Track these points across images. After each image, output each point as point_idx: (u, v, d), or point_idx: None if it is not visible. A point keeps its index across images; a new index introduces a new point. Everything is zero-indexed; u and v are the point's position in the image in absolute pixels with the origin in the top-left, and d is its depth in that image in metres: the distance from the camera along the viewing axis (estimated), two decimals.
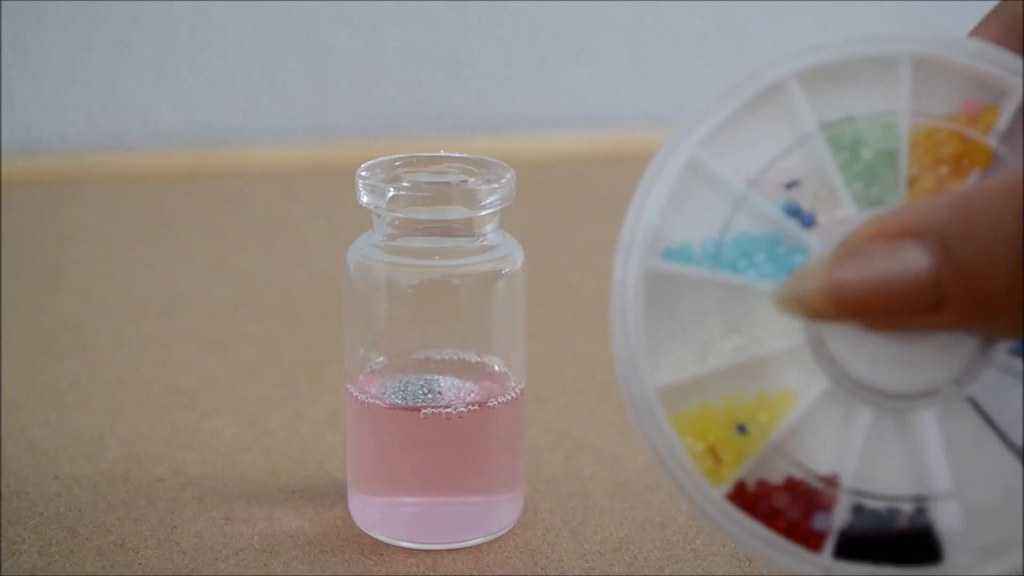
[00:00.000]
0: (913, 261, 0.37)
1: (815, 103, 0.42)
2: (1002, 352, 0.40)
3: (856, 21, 1.15)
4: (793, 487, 0.41)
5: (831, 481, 0.41)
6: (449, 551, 0.57)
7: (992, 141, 0.41)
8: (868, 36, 0.42)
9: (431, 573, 0.56)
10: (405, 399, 0.56)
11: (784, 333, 0.41)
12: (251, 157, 1.07)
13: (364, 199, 0.56)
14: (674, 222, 0.42)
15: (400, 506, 0.58)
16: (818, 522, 0.41)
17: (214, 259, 0.89)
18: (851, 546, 0.41)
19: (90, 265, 0.88)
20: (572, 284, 0.86)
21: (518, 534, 0.59)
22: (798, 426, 0.41)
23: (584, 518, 0.60)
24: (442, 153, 0.57)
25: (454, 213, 0.55)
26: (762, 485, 0.41)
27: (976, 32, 0.43)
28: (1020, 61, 0.41)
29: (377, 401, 0.57)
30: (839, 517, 0.41)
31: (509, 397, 0.57)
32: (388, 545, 0.58)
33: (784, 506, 0.41)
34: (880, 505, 0.41)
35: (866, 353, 0.40)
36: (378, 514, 0.58)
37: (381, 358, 0.58)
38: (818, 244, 0.41)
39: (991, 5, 0.44)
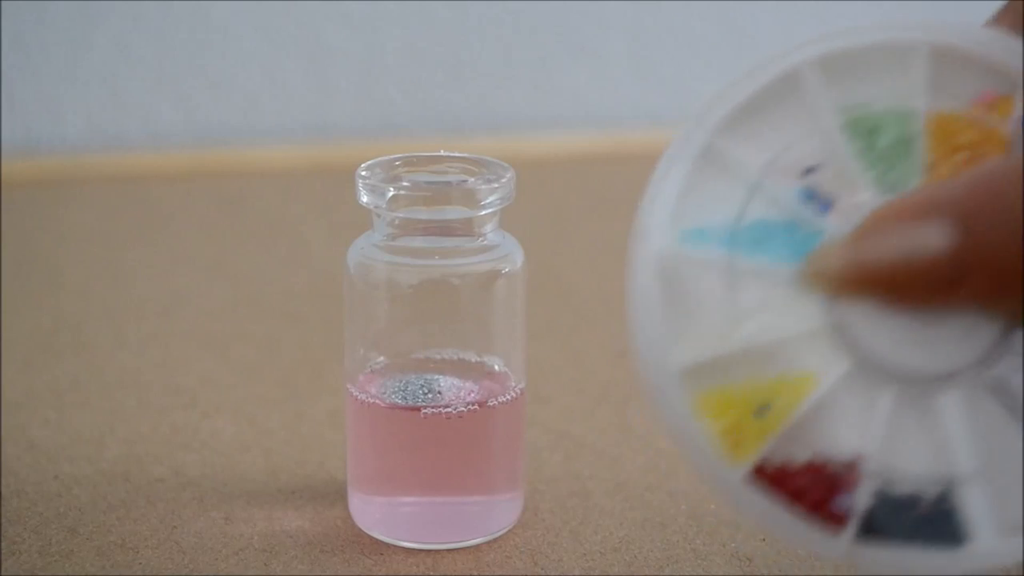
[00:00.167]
0: (932, 237, 0.37)
1: (832, 90, 0.42)
2: None
3: (856, 21, 1.15)
4: (814, 469, 0.41)
5: (853, 463, 0.41)
6: (449, 551, 0.57)
7: (1009, 129, 0.41)
8: (886, 24, 0.42)
9: (431, 573, 0.56)
10: (405, 399, 0.56)
11: (804, 315, 0.41)
12: (251, 157, 1.07)
13: (364, 199, 0.56)
14: (691, 206, 0.42)
15: (400, 506, 0.58)
16: (839, 504, 0.41)
17: (214, 259, 0.89)
18: (873, 528, 0.41)
19: (90, 265, 0.88)
20: (572, 284, 0.86)
21: (518, 534, 0.59)
22: (819, 408, 0.41)
23: (584, 518, 0.60)
24: (442, 153, 0.57)
25: (454, 213, 0.55)
26: (783, 467, 0.41)
27: (992, 23, 0.44)
28: None
29: (377, 401, 0.57)
30: (861, 499, 0.41)
31: (509, 397, 0.57)
32: (388, 545, 0.58)
33: (805, 488, 0.41)
34: (903, 487, 0.41)
35: (888, 335, 0.40)
36: (378, 514, 0.58)
37: (381, 358, 0.58)
38: (836, 229, 0.41)
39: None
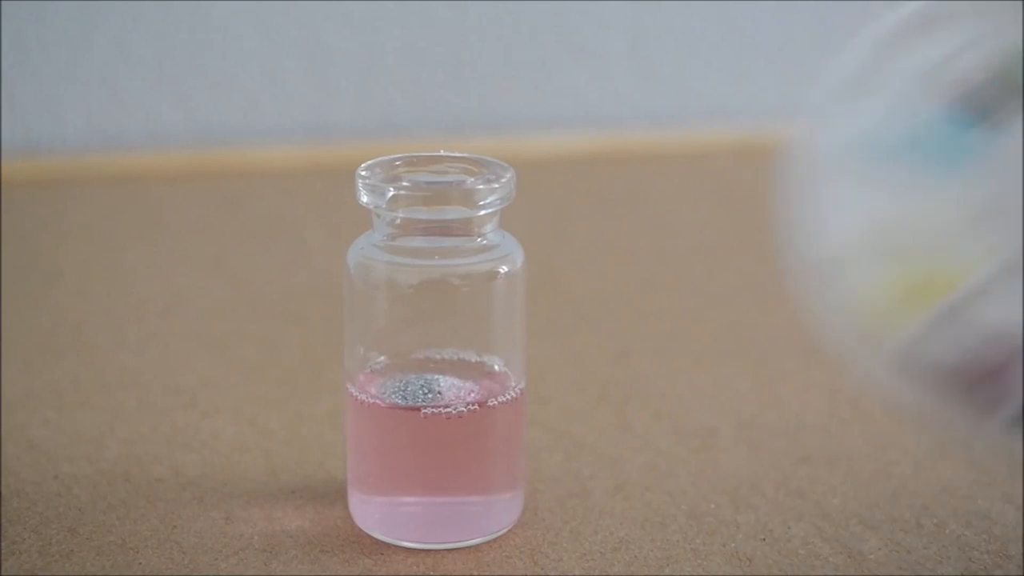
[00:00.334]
0: None
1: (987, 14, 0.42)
2: None
3: (856, 21, 1.15)
4: (974, 353, 0.41)
5: (1009, 348, 0.40)
6: (449, 551, 0.57)
7: None
8: None
9: (431, 573, 0.56)
10: (405, 399, 0.56)
11: (960, 208, 0.41)
12: (251, 157, 1.07)
13: (364, 199, 0.56)
14: (852, 109, 0.42)
15: (400, 506, 0.58)
16: (995, 389, 0.40)
17: (214, 259, 0.89)
18: None
19: (90, 265, 0.88)
20: (572, 284, 0.86)
21: (518, 534, 0.59)
22: (978, 293, 0.41)
23: (584, 518, 0.60)
24: (442, 153, 0.57)
25: (454, 213, 0.55)
26: (940, 349, 0.41)
27: None
28: None
29: (377, 401, 0.57)
30: (1017, 384, 0.40)
31: (509, 397, 0.57)
32: (388, 545, 0.58)
33: (962, 370, 0.40)
34: None
35: None
36: (378, 514, 0.58)
37: (381, 358, 0.58)
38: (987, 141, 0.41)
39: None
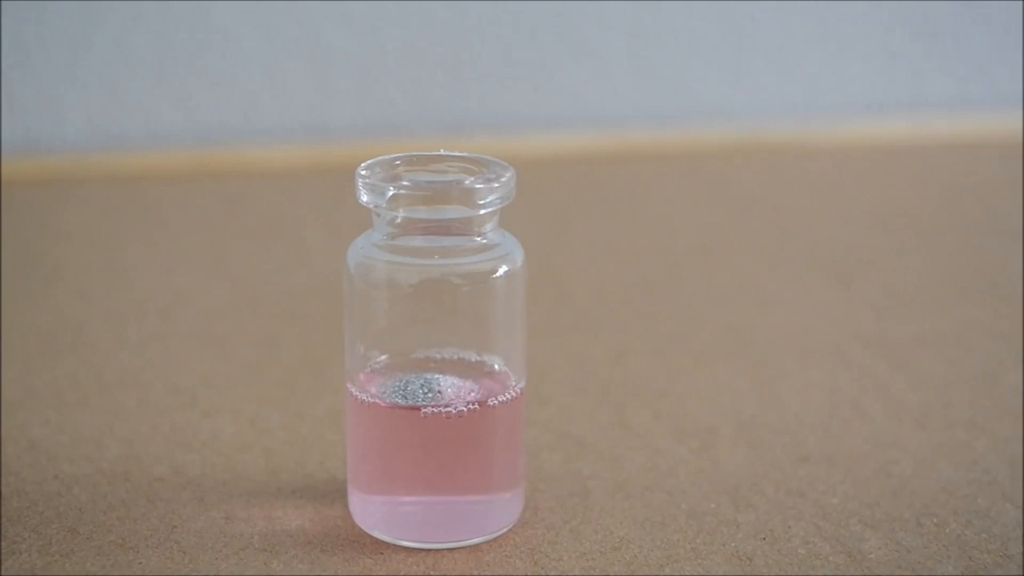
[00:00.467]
0: None
1: None
2: None
3: (857, 21, 1.15)
4: None
5: None
6: (449, 550, 0.57)
7: None
8: None
9: (431, 572, 0.56)
10: (405, 398, 0.56)
11: None
12: (251, 157, 1.07)
13: (364, 198, 0.56)
14: None
15: (400, 505, 0.58)
16: None
17: (214, 259, 0.89)
18: None
19: (90, 265, 0.88)
20: (572, 283, 0.86)
21: (518, 533, 0.59)
22: None
23: (584, 517, 0.60)
24: (442, 152, 0.57)
25: (454, 212, 0.55)
26: None
27: None
28: None
29: (377, 400, 0.57)
30: None
31: (509, 396, 0.57)
32: (388, 544, 0.58)
33: None
34: None
35: None
36: (378, 513, 0.58)
37: (381, 357, 0.58)
38: None
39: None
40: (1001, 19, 1.15)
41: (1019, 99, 1.16)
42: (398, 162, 0.57)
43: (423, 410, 0.56)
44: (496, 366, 0.58)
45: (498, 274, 0.56)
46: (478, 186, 0.55)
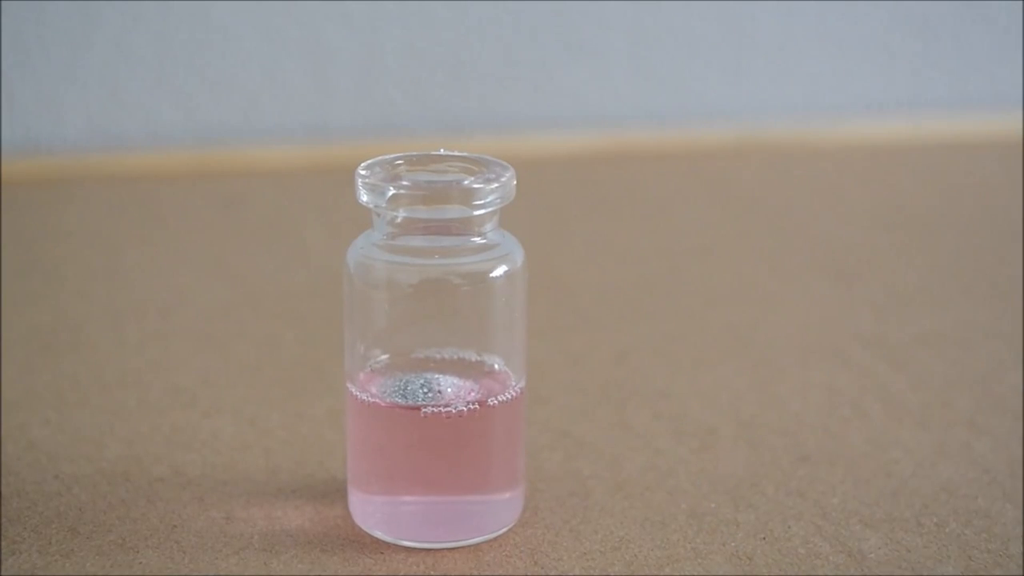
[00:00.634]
0: None
1: None
2: None
3: (857, 21, 1.15)
4: None
5: None
6: (449, 550, 0.57)
7: None
8: None
9: (431, 572, 0.56)
10: (405, 398, 0.56)
11: None
12: (251, 157, 1.07)
13: (364, 198, 0.56)
14: None
15: (400, 505, 0.58)
16: None
17: (214, 259, 0.89)
18: None
19: (90, 265, 0.88)
20: (572, 283, 0.86)
21: (518, 533, 0.59)
22: None
23: (584, 517, 0.60)
24: (442, 152, 0.57)
25: (454, 212, 0.55)
26: None
27: None
28: None
29: (377, 400, 0.57)
30: None
31: (509, 396, 0.57)
32: (388, 544, 0.58)
33: None
34: None
35: None
36: (378, 513, 0.58)
37: (382, 357, 0.58)
38: None
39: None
40: (1001, 19, 1.15)
41: (1019, 99, 1.16)
42: (398, 162, 0.57)
43: (423, 410, 0.56)
44: (496, 366, 0.58)
45: (498, 274, 0.56)
46: (478, 186, 0.55)
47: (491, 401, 0.57)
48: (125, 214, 0.97)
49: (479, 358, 0.58)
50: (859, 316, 0.81)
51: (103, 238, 0.93)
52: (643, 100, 1.14)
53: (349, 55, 1.10)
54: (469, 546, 0.58)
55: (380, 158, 0.57)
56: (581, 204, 1.01)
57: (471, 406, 0.56)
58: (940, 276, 0.87)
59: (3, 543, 0.57)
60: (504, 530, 0.58)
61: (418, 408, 0.56)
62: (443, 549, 0.57)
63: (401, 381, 0.57)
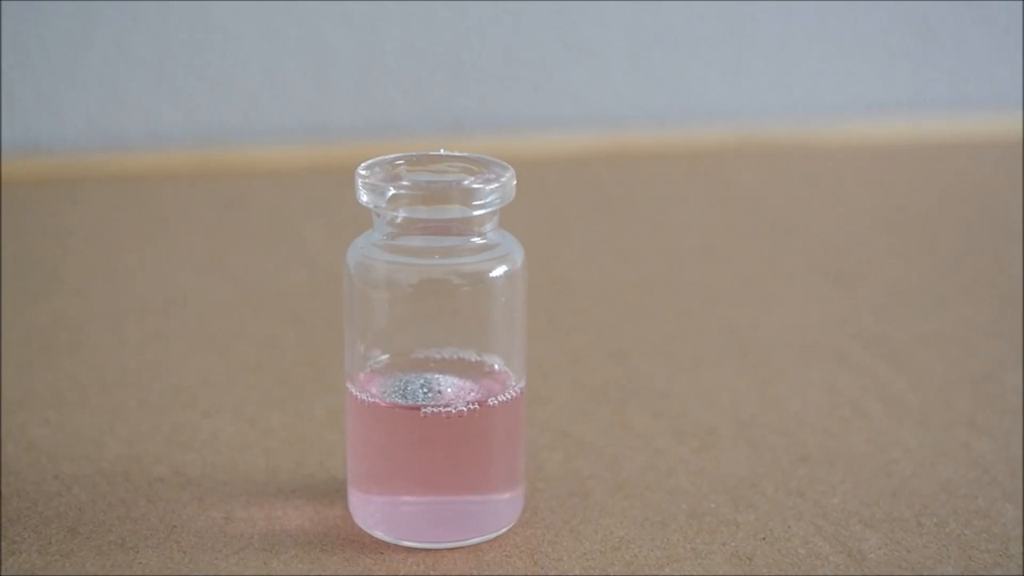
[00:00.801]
0: None
1: None
2: None
3: (857, 21, 1.15)
4: None
5: None
6: (449, 550, 0.57)
7: None
8: None
9: (431, 572, 0.56)
10: (405, 398, 0.56)
11: None
12: (251, 157, 1.07)
13: (364, 198, 0.56)
14: None
15: (400, 505, 0.58)
16: None
17: (214, 259, 0.89)
18: None
19: (90, 265, 0.88)
20: (572, 283, 0.86)
21: (518, 533, 0.59)
22: None
23: (584, 517, 0.60)
24: (442, 152, 0.57)
25: (454, 212, 0.55)
26: None
27: None
28: None
29: (377, 400, 0.57)
30: None
31: (509, 396, 0.57)
32: (388, 544, 0.58)
33: None
34: None
35: None
36: (378, 513, 0.58)
37: (382, 357, 0.58)
38: None
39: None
40: (1001, 19, 1.15)
41: (1019, 99, 1.16)
42: (398, 162, 0.57)
43: (423, 410, 0.56)
44: (496, 366, 0.58)
45: (498, 274, 0.56)
46: (478, 186, 0.55)
47: (491, 401, 0.57)
48: (125, 214, 0.97)
49: (479, 358, 0.58)
50: (859, 316, 0.81)
51: (103, 238, 0.93)
52: (643, 100, 1.14)
53: (349, 55, 1.10)
54: (469, 546, 0.58)
55: (380, 158, 0.57)
56: (581, 204, 1.01)
57: (471, 406, 0.56)
58: (940, 276, 0.87)
59: (3, 543, 0.57)
60: (504, 530, 0.59)
61: (418, 408, 0.56)
62: (443, 549, 0.57)
63: (401, 381, 0.57)
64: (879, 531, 0.59)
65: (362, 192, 0.56)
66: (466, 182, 0.55)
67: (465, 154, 0.57)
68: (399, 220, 0.55)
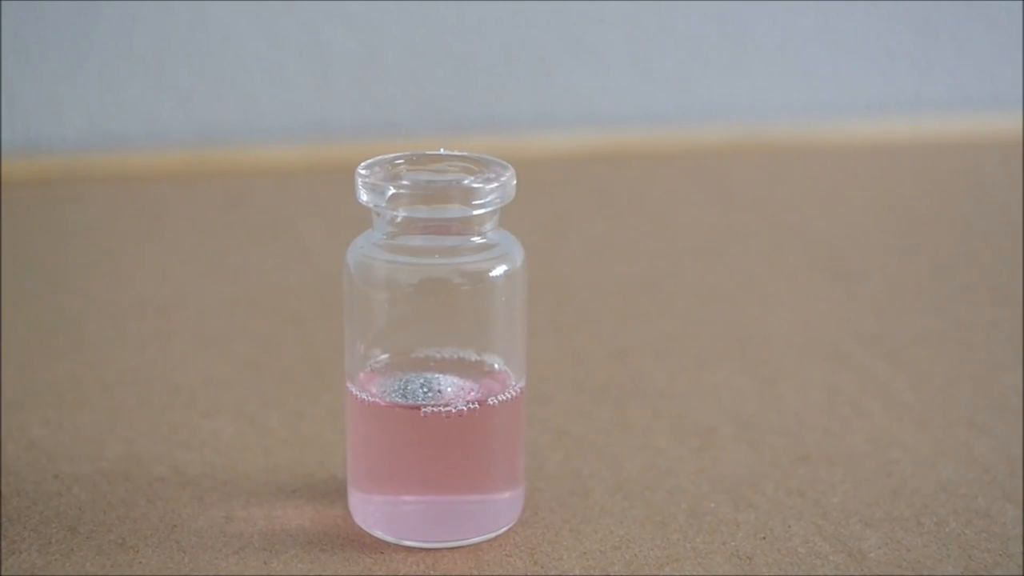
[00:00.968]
0: None
1: None
2: None
3: (857, 21, 1.15)
4: None
5: None
6: (449, 550, 0.57)
7: None
8: None
9: (431, 572, 0.56)
10: (405, 397, 0.56)
11: None
12: (251, 156, 1.07)
13: (363, 197, 0.56)
14: None
15: (400, 505, 0.58)
16: None
17: (214, 259, 0.89)
18: None
19: (90, 265, 0.88)
20: (572, 283, 0.86)
21: (518, 533, 0.59)
22: None
23: (584, 517, 0.60)
24: (442, 151, 0.57)
25: (454, 211, 0.55)
26: None
27: None
28: None
29: (377, 400, 0.57)
30: None
31: (509, 395, 0.57)
32: (388, 544, 0.58)
33: None
34: None
35: None
36: (378, 513, 0.58)
37: (381, 357, 0.58)
38: None
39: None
40: (1001, 19, 1.15)
41: (1019, 99, 1.16)
42: (398, 161, 0.57)
43: (423, 409, 0.56)
44: (496, 365, 0.58)
45: (498, 273, 0.56)
46: (478, 185, 0.55)
47: (491, 401, 0.57)
48: (125, 214, 0.97)
49: (479, 358, 0.58)
50: (859, 316, 0.81)
51: (103, 238, 0.93)
52: (643, 100, 1.14)
53: (349, 55, 1.10)
54: (469, 546, 0.58)
55: (380, 157, 0.57)
56: (581, 204, 1.01)
57: (471, 406, 0.56)
58: (940, 276, 0.87)
59: (3, 543, 0.57)
60: (504, 530, 0.59)
61: (418, 408, 0.56)
62: (443, 549, 0.57)
63: (401, 381, 0.57)
64: (879, 531, 0.59)
65: (362, 191, 0.56)
66: (466, 181, 0.55)
67: (465, 153, 0.57)
68: (399, 219, 0.55)
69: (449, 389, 0.57)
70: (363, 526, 0.58)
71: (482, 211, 0.55)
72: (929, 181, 1.06)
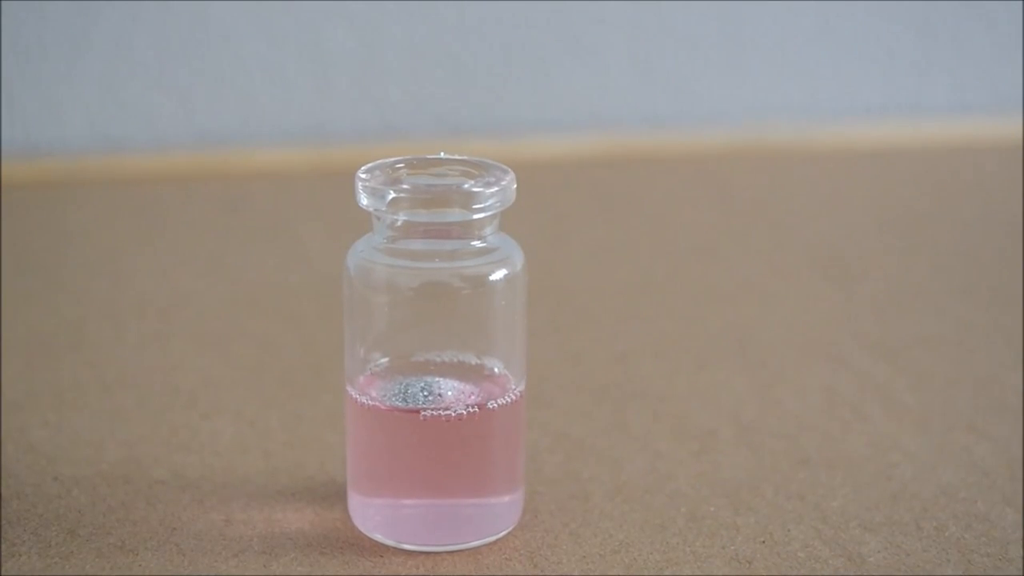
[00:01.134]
0: None
1: None
2: None
3: (857, 21, 1.15)
4: None
5: None
6: (449, 553, 0.57)
7: None
8: None
9: (431, 575, 0.56)
10: (405, 401, 0.56)
11: None
12: (251, 159, 1.07)
13: (364, 201, 0.56)
14: None
15: (400, 508, 0.58)
16: None
17: (214, 259, 0.89)
18: None
19: (90, 266, 0.88)
20: (572, 286, 0.86)
21: (518, 536, 0.59)
22: None
23: (584, 520, 0.60)
24: (442, 155, 0.57)
25: (454, 215, 0.55)
26: None
27: None
28: None
29: (377, 403, 0.57)
30: None
31: (509, 399, 0.57)
32: (388, 547, 0.58)
33: None
34: None
35: None
36: (378, 516, 0.58)
37: (381, 360, 0.58)
38: None
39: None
40: (1001, 21, 1.15)
41: (1019, 102, 1.16)
42: (398, 165, 0.57)
43: (423, 413, 0.56)
44: (496, 369, 0.58)
45: (498, 277, 0.56)
46: (478, 190, 0.55)
47: (491, 404, 0.57)
48: (125, 216, 0.97)
49: (479, 361, 0.58)
50: (859, 318, 0.81)
51: (103, 240, 0.93)
52: (643, 102, 1.14)
53: (349, 55, 1.10)
54: (469, 549, 0.58)
55: (380, 162, 0.57)
56: (581, 207, 1.01)
57: (471, 409, 0.56)
58: (940, 279, 0.87)
59: (3, 545, 0.57)
60: (504, 533, 0.59)
61: (418, 411, 0.56)
62: (443, 552, 0.57)
63: (401, 384, 0.57)
64: (879, 535, 0.59)
65: (362, 195, 0.56)
66: (466, 185, 0.55)
67: (465, 157, 0.57)
68: (399, 223, 0.55)
69: (449, 393, 0.57)
70: (363, 529, 0.58)
71: (482, 215, 0.55)
72: (929, 184, 1.06)
